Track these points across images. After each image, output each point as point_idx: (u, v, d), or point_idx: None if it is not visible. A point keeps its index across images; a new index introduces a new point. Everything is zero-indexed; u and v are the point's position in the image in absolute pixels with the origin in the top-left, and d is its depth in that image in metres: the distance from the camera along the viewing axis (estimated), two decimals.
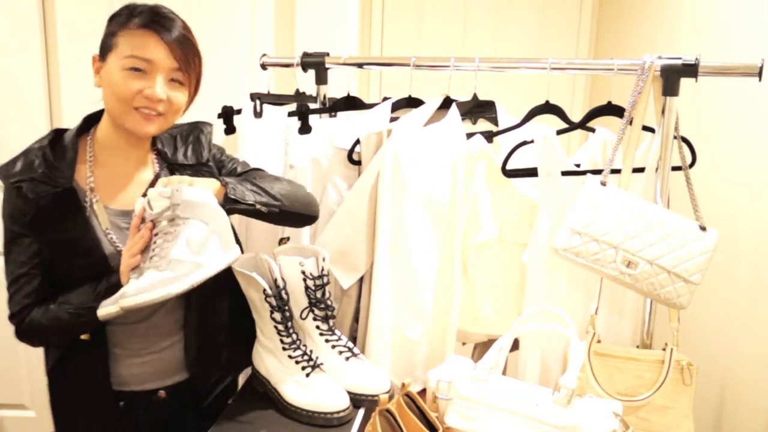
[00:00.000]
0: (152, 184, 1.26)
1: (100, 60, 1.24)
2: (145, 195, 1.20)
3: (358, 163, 1.55)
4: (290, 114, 1.65)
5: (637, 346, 1.50)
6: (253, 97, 1.70)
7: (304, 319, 1.29)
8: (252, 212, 1.26)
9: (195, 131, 1.40)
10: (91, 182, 1.26)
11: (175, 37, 1.22)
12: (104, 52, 1.23)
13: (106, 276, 1.21)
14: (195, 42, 1.27)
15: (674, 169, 1.44)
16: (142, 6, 1.24)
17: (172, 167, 1.34)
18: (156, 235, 1.15)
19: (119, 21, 1.22)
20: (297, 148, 1.59)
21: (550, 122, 1.54)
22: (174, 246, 1.11)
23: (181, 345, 1.35)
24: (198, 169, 1.34)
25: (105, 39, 1.24)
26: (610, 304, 1.52)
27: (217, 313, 1.39)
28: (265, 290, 1.24)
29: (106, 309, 1.11)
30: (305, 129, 1.60)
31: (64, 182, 1.21)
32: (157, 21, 1.22)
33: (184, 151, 1.36)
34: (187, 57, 1.25)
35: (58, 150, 1.25)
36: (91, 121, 1.32)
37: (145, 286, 1.07)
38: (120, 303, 1.08)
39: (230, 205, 1.22)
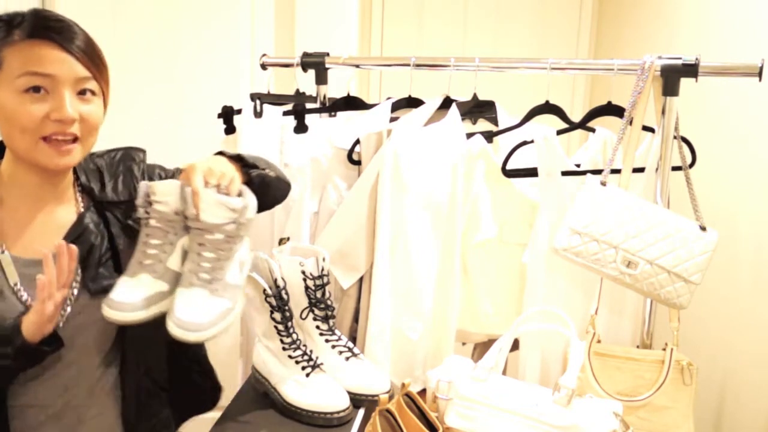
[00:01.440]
0: (75, 227, 1.09)
1: None
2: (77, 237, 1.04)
3: (358, 163, 1.55)
4: (285, 113, 1.65)
5: (637, 346, 1.50)
6: (253, 97, 1.70)
7: (304, 319, 1.29)
8: (259, 182, 1.11)
9: (125, 161, 1.18)
10: None
11: (76, 43, 1.01)
12: None
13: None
14: (98, 46, 1.06)
15: (674, 169, 1.44)
16: (21, 13, 1.02)
17: (99, 206, 1.13)
18: (201, 245, 0.99)
19: None
20: (292, 147, 1.59)
21: (550, 122, 1.54)
22: (230, 268, 0.99)
23: (116, 412, 1.14)
24: (131, 205, 1.11)
25: None
26: (610, 304, 1.52)
27: (158, 367, 1.21)
28: (265, 290, 1.24)
29: (133, 314, 0.94)
30: (301, 128, 1.60)
31: None
32: (49, 27, 1.00)
33: (113, 186, 1.15)
34: (95, 61, 1.04)
35: None
36: None
37: (206, 321, 0.92)
38: (172, 327, 0.92)
39: (252, 172, 1.09)
